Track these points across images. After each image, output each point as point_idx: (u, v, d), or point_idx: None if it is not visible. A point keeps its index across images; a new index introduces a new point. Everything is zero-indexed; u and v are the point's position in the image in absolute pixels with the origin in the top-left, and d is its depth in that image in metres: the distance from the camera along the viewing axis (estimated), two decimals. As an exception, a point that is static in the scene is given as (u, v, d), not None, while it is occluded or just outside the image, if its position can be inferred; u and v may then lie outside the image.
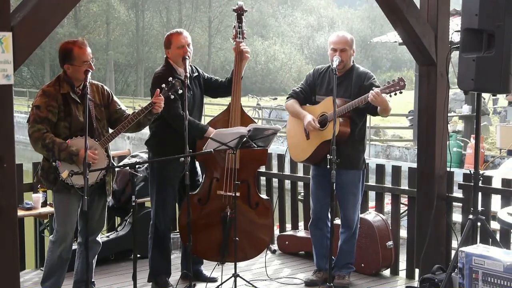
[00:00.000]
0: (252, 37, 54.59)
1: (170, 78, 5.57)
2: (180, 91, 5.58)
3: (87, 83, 5.18)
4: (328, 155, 5.55)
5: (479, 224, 5.56)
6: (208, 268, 6.33)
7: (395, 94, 5.77)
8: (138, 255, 5.44)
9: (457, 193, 6.38)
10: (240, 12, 6.12)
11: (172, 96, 5.56)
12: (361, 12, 68.90)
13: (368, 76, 6.05)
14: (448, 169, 6.24)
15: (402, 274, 6.76)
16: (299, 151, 6.27)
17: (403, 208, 7.95)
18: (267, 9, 64.63)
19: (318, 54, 59.61)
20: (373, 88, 5.75)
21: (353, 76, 6.05)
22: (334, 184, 5.56)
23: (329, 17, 66.48)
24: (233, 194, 5.77)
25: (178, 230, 6.49)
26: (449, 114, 6.25)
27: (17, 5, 4.25)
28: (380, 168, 6.87)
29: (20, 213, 6.39)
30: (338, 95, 5.77)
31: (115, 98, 5.65)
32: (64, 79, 5.32)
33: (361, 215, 6.46)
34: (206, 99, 6.30)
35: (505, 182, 6.15)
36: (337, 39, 6.04)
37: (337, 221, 6.52)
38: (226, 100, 6.39)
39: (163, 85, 5.52)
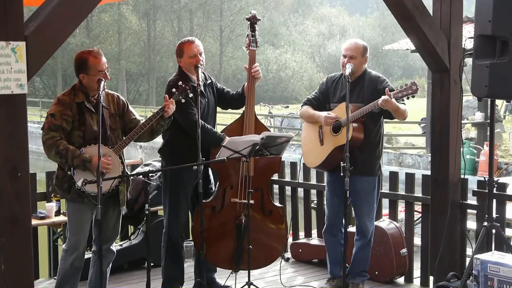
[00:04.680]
0: (264, 45, 54.52)
1: (180, 82, 5.60)
2: (191, 95, 5.61)
3: (101, 92, 5.19)
4: (342, 162, 5.53)
5: (493, 231, 5.53)
6: (221, 276, 6.31)
7: (408, 98, 5.76)
8: (152, 264, 5.44)
9: (471, 200, 6.34)
10: (253, 21, 6.10)
11: (183, 100, 5.58)
12: (372, 20, 68.93)
13: (381, 80, 6.04)
14: (462, 176, 6.22)
15: (417, 281, 6.73)
16: (313, 156, 6.26)
17: (417, 216, 7.92)
18: (278, 18, 64.69)
19: (330, 62, 59.59)
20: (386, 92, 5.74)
21: (365, 81, 6.04)
22: (348, 191, 5.53)
23: (340, 25, 66.51)
24: (247, 202, 5.76)
25: (191, 239, 6.47)
26: (462, 121, 6.21)
27: (31, 14, 4.27)
28: (393, 176, 6.86)
29: (34, 222, 6.37)
30: (351, 101, 5.75)
31: (130, 108, 5.66)
32: (80, 88, 5.35)
33: (375, 223, 6.42)
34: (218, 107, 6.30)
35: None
36: (347, 45, 6.05)
37: (352, 228, 6.50)
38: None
39: (173, 89, 5.56)
